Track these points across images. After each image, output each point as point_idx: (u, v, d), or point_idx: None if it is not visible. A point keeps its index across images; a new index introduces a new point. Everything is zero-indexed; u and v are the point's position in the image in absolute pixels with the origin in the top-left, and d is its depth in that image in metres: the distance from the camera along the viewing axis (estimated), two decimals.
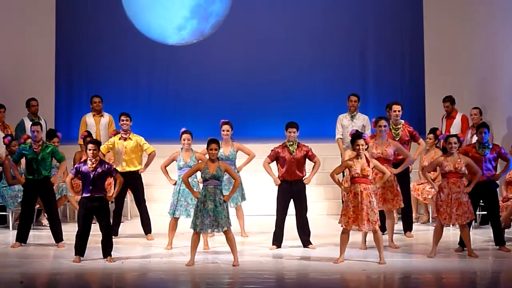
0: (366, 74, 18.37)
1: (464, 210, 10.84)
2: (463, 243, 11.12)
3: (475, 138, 12.39)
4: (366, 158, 10.66)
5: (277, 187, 11.62)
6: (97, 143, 11.10)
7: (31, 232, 12.07)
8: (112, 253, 10.85)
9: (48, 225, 12.24)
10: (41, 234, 12.70)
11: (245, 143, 12.80)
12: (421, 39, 16.56)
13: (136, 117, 13.50)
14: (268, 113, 17.91)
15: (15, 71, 15.88)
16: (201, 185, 10.99)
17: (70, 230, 11.95)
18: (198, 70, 18.27)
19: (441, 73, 16.00)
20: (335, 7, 18.24)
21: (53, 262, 11.08)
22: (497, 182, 11.61)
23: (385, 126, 11.68)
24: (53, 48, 16.46)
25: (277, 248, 11.53)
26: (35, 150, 11.76)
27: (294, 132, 11.51)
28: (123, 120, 12.51)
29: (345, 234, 10.60)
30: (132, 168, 12.45)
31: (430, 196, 13.04)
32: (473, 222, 12.02)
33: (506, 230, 11.93)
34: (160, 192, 14.28)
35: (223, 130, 12.24)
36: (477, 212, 12.54)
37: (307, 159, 11.59)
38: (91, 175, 10.76)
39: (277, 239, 11.57)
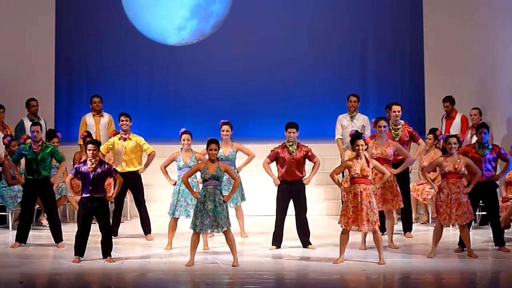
0: (366, 74, 18.37)
1: (463, 210, 10.84)
2: (463, 244, 11.12)
3: (474, 139, 12.38)
4: (366, 158, 10.66)
5: (276, 187, 11.62)
6: (97, 143, 11.09)
7: (31, 232, 12.08)
8: (111, 253, 10.85)
9: (48, 225, 12.24)
10: (40, 234, 12.70)
11: (245, 143, 12.80)
12: (421, 39, 16.57)
13: (136, 117, 13.51)
14: (268, 113, 17.91)
15: (15, 71, 15.88)
16: (200, 186, 10.99)
17: (69, 230, 11.95)
18: (198, 70, 18.27)
19: (441, 73, 16.00)
20: (335, 7, 18.24)
21: (53, 262, 11.07)
22: (497, 182, 11.61)
23: (384, 126, 11.68)
24: (53, 48, 16.47)
25: (276, 248, 11.53)
26: (34, 150, 11.76)
27: (293, 133, 11.51)
28: (122, 120, 12.51)
29: (344, 234, 10.60)
30: (132, 168, 12.45)
31: (429, 197, 13.04)
32: (473, 222, 12.01)
33: (505, 231, 11.94)
34: (159, 192, 14.28)
35: (223, 131, 12.24)
36: (477, 213, 12.53)
37: (306, 160, 11.59)
38: (91, 175, 10.76)
39: (277, 240, 11.57)
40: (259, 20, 18.19)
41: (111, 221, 11.65)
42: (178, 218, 11.60)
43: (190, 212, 11.33)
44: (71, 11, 17.92)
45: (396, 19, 18.17)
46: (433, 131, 13.64)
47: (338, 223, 10.64)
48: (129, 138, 12.53)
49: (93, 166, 10.80)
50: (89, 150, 10.84)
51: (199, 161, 11.32)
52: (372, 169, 10.67)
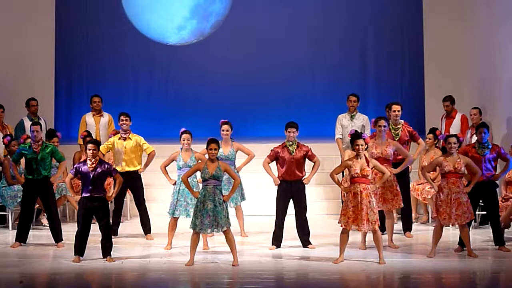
0: (366, 74, 18.37)
1: (463, 210, 10.84)
2: (463, 243, 11.12)
3: (474, 138, 12.39)
4: (366, 158, 10.66)
5: (276, 187, 11.62)
6: (97, 143, 11.09)
7: (31, 232, 12.07)
8: (111, 253, 10.85)
9: (48, 225, 12.23)
10: (40, 234, 12.70)
11: (244, 143, 12.80)
12: (421, 39, 16.56)
13: (136, 117, 13.51)
14: (268, 113, 17.91)
15: (15, 71, 15.88)
16: (200, 185, 10.99)
17: (69, 230, 11.95)
18: (198, 70, 18.27)
19: (441, 73, 16.00)
20: (335, 7, 18.23)
21: (53, 262, 11.07)
22: (497, 182, 11.61)
23: (384, 126, 11.68)
24: (53, 48, 16.47)
25: (276, 248, 11.53)
26: (34, 150, 11.76)
27: (293, 132, 11.51)
28: (122, 120, 12.51)
29: (344, 234, 10.60)
30: (132, 168, 12.45)
31: (429, 196, 13.04)
32: (473, 222, 12.02)
33: (505, 230, 11.93)
34: (159, 192, 14.28)
35: (223, 130, 12.24)
36: (477, 212, 12.54)
37: (306, 159, 11.59)
38: (91, 175, 10.76)
39: (277, 239, 11.57)
40: (259, 20, 18.18)
41: (111, 221, 11.64)
42: (178, 218, 11.60)
43: (190, 211, 11.33)
44: (71, 11, 17.91)
45: (396, 19, 18.16)
46: (433, 130, 13.64)
47: (338, 222, 10.64)
48: (129, 138, 12.53)
49: (93, 165, 10.80)
50: (89, 149, 10.84)
51: (199, 161, 11.32)
52: (372, 168, 10.67)
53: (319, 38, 18.24)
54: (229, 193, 10.75)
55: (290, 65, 18.20)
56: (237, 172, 12.03)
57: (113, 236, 11.25)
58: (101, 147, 12.12)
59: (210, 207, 10.42)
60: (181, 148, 11.74)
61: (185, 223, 11.40)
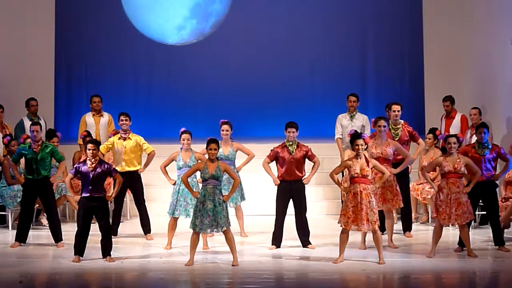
0: (366, 74, 18.37)
1: (463, 210, 10.84)
2: (463, 243, 11.12)
3: (474, 138, 12.38)
4: (366, 158, 10.65)
5: (276, 187, 11.62)
6: (97, 143, 11.09)
7: (31, 232, 12.07)
8: (111, 253, 10.84)
9: (48, 225, 12.23)
10: (40, 234, 12.69)
11: (244, 143, 12.80)
12: (421, 39, 16.56)
13: (136, 117, 13.51)
14: (268, 113, 17.90)
15: (15, 71, 15.87)
16: (200, 185, 10.99)
17: (69, 230, 11.95)
18: (198, 70, 18.27)
19: (441, 73, 16.00)
20: (335, 7, 18.23)
21: (53, 262, 11.07)
22: (497, 182, 11.61)
23: (384, 126, 11.68)
24: (53, 48, 16.46)
25: (276, 248, 11.53)
26: (34, 150, 11.76)
27: (293, 132, 11.51)
28: (122, 120, 12.51)
29: (344, 234, 10.60)
30: (132, 168, 12.45)
31: (429, 196, 13.04)
32: (473, 222, 12.01)
33: (505, 230, 11.93)
34: (159, 192, 14.28)
35: (223, 130, 12.24)
36: (477, 212, 12.53)
37: (306, 159, 11.59)
38: (91, 175, 10.75)
39: (277, 239, 11.56)
40: (259, 20, 18.18)
41: (110, 221, 11.64)
42: (177, 218, 11.60)
43: (190, 211, 11.32)
44: (71, 11, 17.91)
45: (396, 19, 18.16)
46: (432, 130, 13.64)
47: (338, 222, 10.64)
48: (129, 138, 12.53)
49: (93, 165, 10.80)
50: (89, 149, 10.84)
51: (199, 161, 11.32)
52: (371, 168, 10.67)
53: (319, 38, 18.24)
54: (229, 193, 10.75)
55: (290, 65, 18.19)
56: (237, 172, 12.03)
57: (113, 236, 11.25)
58: (101, 147, 12.11)
59: (210, 207, 10.42)
60: (181, 148, 11.74)
61: (185, 223, 11.39)
